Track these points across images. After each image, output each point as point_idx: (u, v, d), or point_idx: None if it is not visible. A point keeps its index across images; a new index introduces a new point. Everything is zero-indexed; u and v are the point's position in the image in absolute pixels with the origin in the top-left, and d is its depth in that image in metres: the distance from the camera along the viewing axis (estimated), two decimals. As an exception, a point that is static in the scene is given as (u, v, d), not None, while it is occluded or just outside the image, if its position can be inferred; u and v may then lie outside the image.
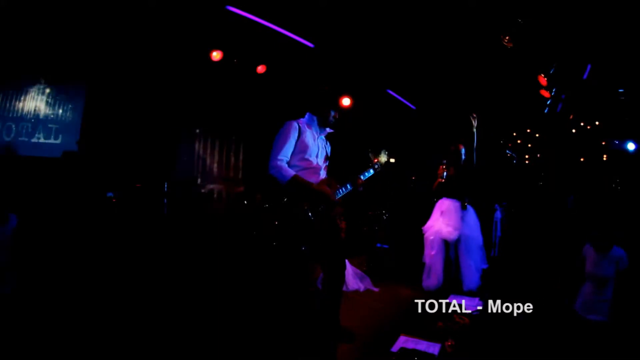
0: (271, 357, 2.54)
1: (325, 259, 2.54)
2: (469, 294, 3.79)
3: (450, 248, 4.05)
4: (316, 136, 2.61)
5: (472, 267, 3.98)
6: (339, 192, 2.57)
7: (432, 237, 4.13)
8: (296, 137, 2.47)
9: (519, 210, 6.21)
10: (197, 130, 6.00)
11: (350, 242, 5.17)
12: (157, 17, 4.21)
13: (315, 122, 2.63)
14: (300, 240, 2.39)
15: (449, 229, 4.01)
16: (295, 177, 2.37)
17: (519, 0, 3.94)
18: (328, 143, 2.76)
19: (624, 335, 2.60)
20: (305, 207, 2.40)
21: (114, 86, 4.79)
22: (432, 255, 4.10)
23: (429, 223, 4.26)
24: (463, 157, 4.23)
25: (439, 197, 4.27)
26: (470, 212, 4.17)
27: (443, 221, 4.09)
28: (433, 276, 4.07)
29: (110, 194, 4.45)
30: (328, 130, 2.70)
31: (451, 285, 3.95)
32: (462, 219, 4.06)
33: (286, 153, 2.42)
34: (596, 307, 2.77)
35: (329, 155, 2.71)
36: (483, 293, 3.74)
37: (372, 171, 2.77)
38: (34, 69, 4.30)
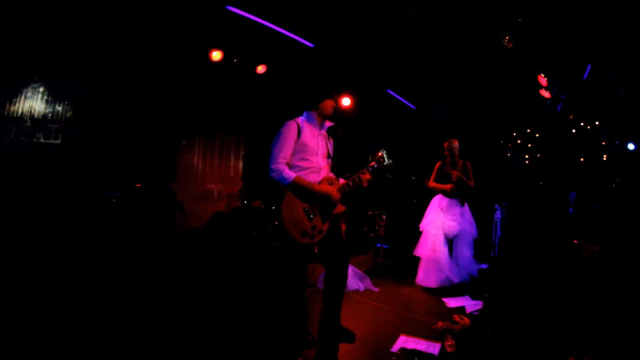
0: (272, 357, 2.54)
1: (328, 259, 2.52)
2: (463, 287, 4.07)
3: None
4: (316, 133, 2.57)
5: (468, 258, 4.33)
6: (342, 189, 2.53)
7: (434, 232, 4.25)
8: (295, 138, 2.44)
9: (519, 210, 6.20)
10: (197, 130, 6.01)
11: (350, 242, 5.17)
12: (157, 16, 4.21)
13: (314, 118, 2.58)
14: (299, 240, 2.37)
15: (453, 223, 4.23)
16: (296, 180, 2.35)
17: (519, 0, 3.94)
18: (330, 139, 2.70)
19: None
20: (306, 208, 2.39)
21: (114, 86, 4.79)
22: (436, 250, 4.18)
23: (429, 218, 4.41)
24: (458, 151, 4.36)
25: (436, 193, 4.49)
26: (466, 208, 4.43)
27: (445, 217, 4.28)
28: (434, 272, 4.16)
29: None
30: (327, 124, 2.64)
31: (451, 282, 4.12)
32: (461, 214, 4.34)
33: (286, 155, 2.40)
34: None
35: (331, 151, 2.66)
36: (481, 291, 3.73)
37: (376, 165, 2.67)
38: (30, 69, 4.29)
